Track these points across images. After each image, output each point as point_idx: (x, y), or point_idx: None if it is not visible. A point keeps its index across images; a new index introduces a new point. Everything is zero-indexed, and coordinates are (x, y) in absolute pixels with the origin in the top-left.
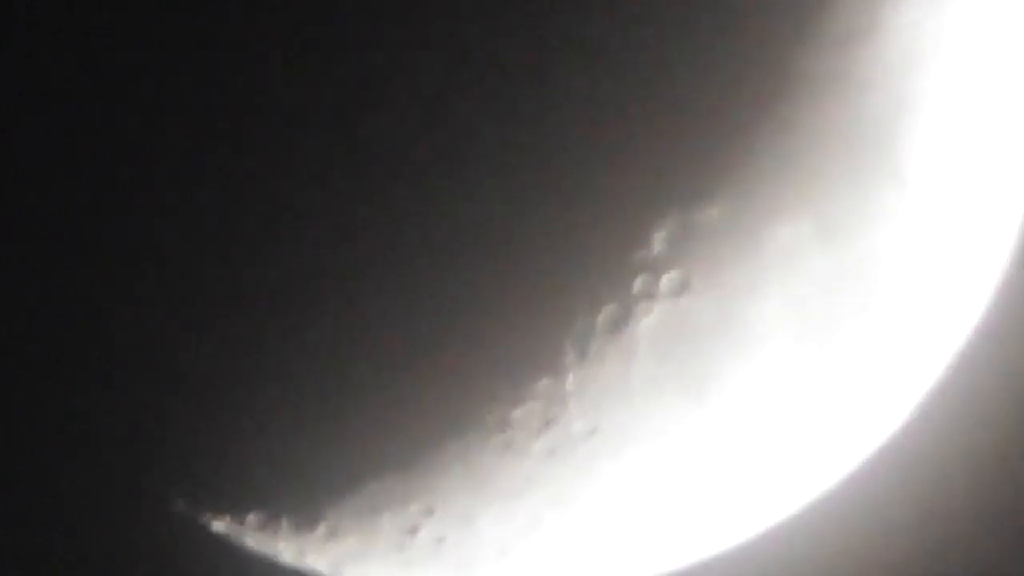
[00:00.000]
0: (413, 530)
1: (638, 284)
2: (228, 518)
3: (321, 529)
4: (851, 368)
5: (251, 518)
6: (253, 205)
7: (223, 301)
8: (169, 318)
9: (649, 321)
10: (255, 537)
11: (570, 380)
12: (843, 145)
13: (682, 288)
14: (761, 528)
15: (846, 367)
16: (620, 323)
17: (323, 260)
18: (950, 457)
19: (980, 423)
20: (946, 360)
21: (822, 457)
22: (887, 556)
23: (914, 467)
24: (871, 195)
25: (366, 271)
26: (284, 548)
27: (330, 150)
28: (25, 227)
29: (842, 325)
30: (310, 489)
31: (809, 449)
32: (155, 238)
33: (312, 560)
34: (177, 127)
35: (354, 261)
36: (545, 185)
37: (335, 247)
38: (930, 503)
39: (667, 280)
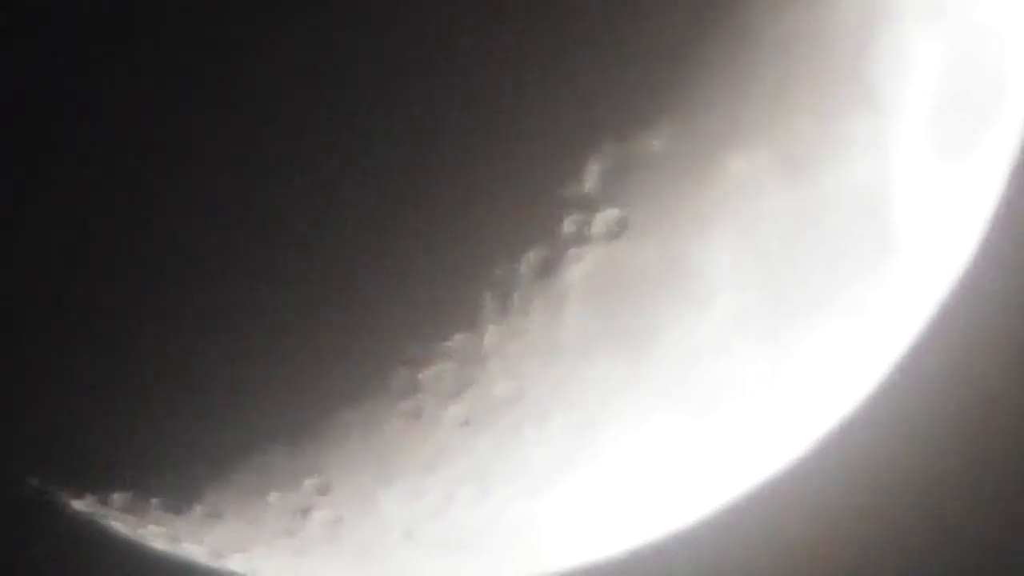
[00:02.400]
0: (305, 511)
1: (568, 225)
2: (89, 498)
3: (198, 510)
4: (816, 327)
5: (116, 497)
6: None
7: (81, 267)
8: (17, 282)
9: (581, 268)
10: (121, 519)
11: (489, 336)
12: (807, 62)
13: (619, 229)
14: (708, 510)
15: (811, 324)
16: (547, 270)
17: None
18: (920, 425)
19: (961, 383)
20: (925, 317)
21: (779, 430)
22: (844, 534)
23: (882, 437)
24: (839, 121)
25: (248, 216)
26: (155, 532)
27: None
28: None
29: (806, 274)
30: (185, 464)
31: (765, 420)
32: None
33: (188, 546)
34: None
35: (236, 206)
36: (457, 112)
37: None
38: (895, 475)
39: (602, 220)
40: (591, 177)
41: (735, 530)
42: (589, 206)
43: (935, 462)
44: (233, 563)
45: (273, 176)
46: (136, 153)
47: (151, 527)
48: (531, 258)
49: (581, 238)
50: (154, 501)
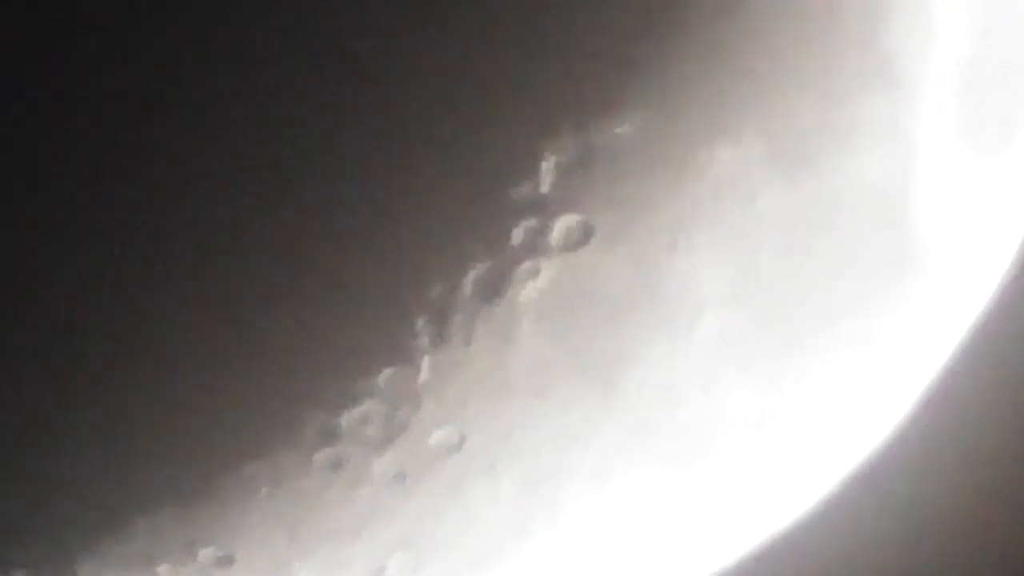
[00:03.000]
0: None
1: (519, 234)
2: None
3: None
4: (821, 358)
5: None
6: None
7: None
8: None
9: (536, 285)
10: None
11: (424, 370)
12: (809, 30)
13: (582, 238)
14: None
15: (814, 354)
16: (495, 289)
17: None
18: (946, 475)
19: (996, 422)
20: (953, 345)
21: (776, 484)
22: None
23: (902, 490)
24: (848, 103)
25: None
26: None
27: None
28: None
29: (808, 291)
30: (54, 532)
31: (759, 471)
32: None
33: None
34: None
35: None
36: (380, 95)
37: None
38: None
39: (561, 227)
40: (547, 176)
41: None
42: (545, 210)
43: (962, 518)
44: None
45: (164, 186)
46: None
47: None
48: (475, 276)
49: (536, 249)
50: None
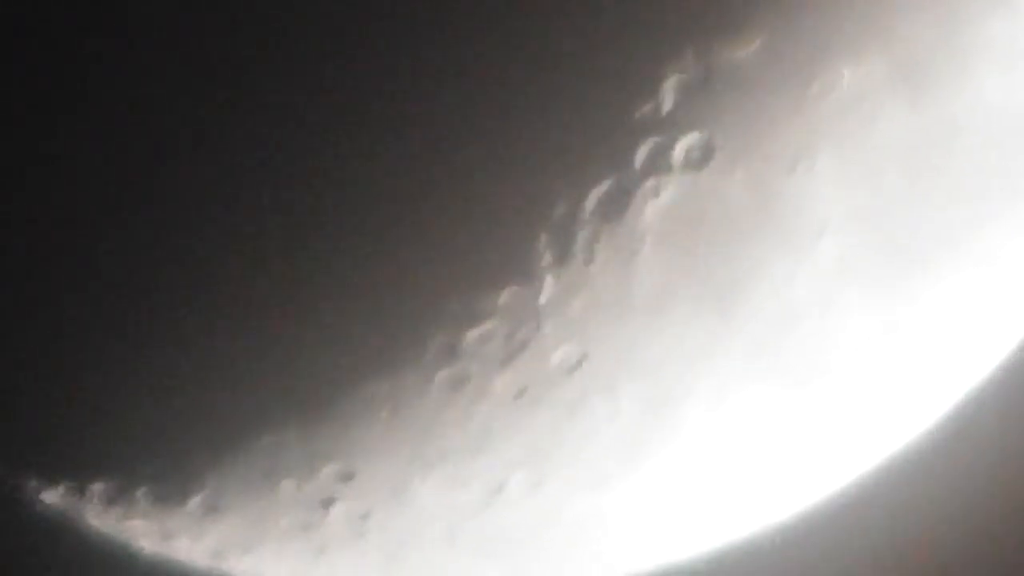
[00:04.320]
0: (325, 503)
1: (642, 153)
2: (63, 488)
3: (195, 502)
4: (942, 277)
5: (96, 488)
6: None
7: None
8: None
9: (658, 205)
10: (102, 514)
11: (546, 289)
12: None
13: (704, 157)
14: (809, 503)
15: (935, 274)
16: (617, 207)
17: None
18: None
19: None
20: None
21: (896, 404)
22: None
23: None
24: (970, 24)
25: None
26: (143, 529)
27: None
28: None
29: (930, 213)
30: (179, 447)
31: (879, 391)
32: None
33: (183, 545)
34: None
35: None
36: (510, 19)
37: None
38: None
39: (683, 147)
40: (669, 95)
41: (841, 527)
42: (667, 130)
43: None
44: (237, 565)
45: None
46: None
47: (138, 523)
48: (597, 194)
49: (658, 168)
50: (141, 491)
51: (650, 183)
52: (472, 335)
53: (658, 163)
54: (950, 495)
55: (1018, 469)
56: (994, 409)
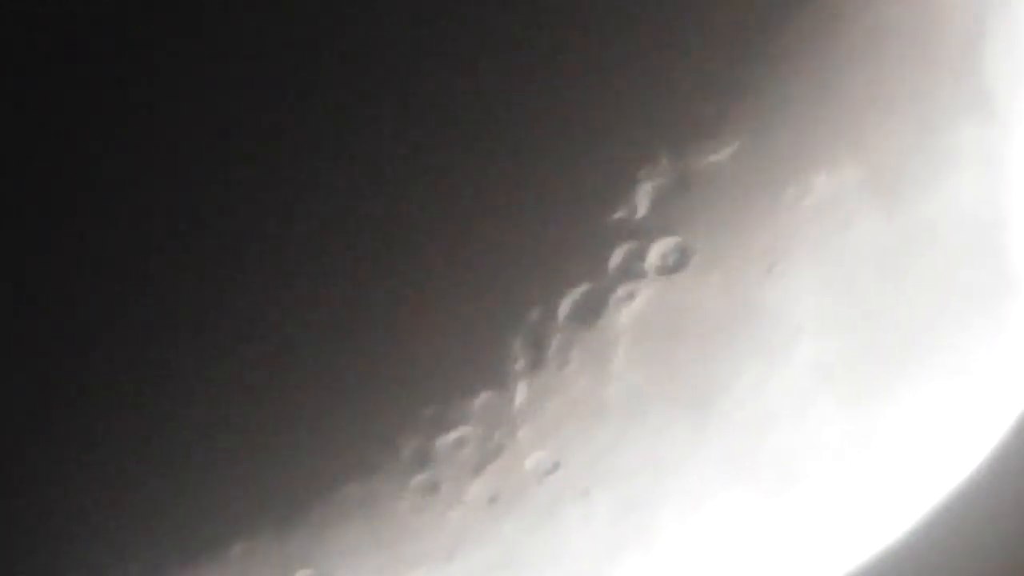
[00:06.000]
0: None
1: (617, 257)
2: None
3: None
4: (916, 386)
5: None
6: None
7: None
8: None
9: (632, 309)
10: None
11: (520, 394)
12: (905, 58)
13: (679, 262)
14: None
15: (909, 382)
16: (591, 313)
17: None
18: None
19: None
20: None
21: (869, 511)
22: None
23: (996, 522)
24: (944, 131)
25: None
26: None
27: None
28: None
29: (903, 319)
30: (151, 555)
31: (853, 499)
32: None
33: None
34: None
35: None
36: (480, 117)
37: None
38: None
39: (658, 251)
40: (644, 199)
41: None
42: (642, 234)
43: None
44: None
45: (261, 213)
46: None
47: None
48: (572, 298)
49: (633, 273)
50: None
51: (625, 288)
52: (446, 440)
53: (633, 268)
54: None
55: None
56: (969, 515)
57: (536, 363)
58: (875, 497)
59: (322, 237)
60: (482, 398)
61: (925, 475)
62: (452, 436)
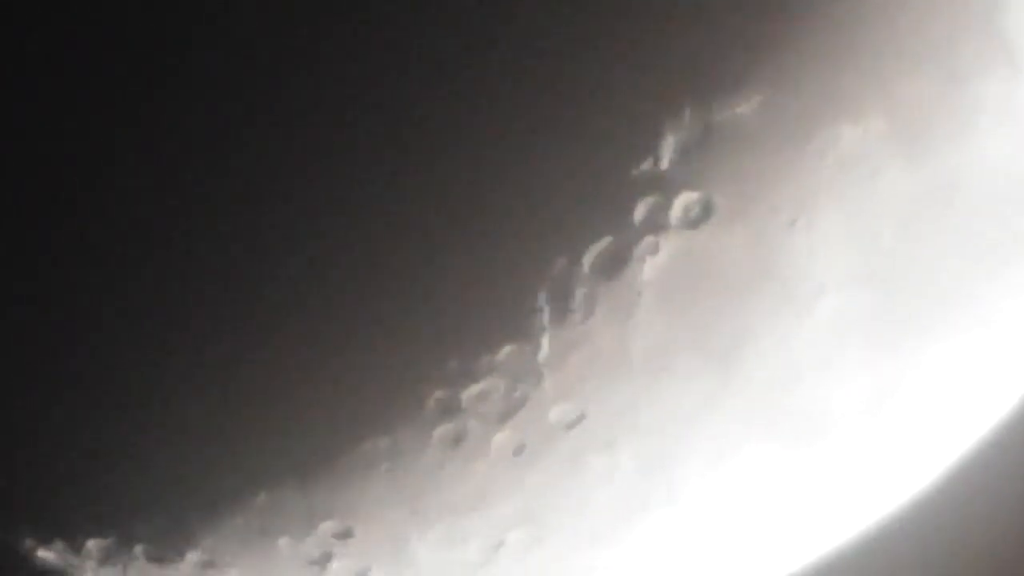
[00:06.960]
0: (323, 561)
1: (641, 210)
2: (59, 545)
3: (192, 560)
4: (942, 337)
5: (92, 545)
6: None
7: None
8: None
9: (656, 262)
10: (98, 572)
11: (544, 347)
12: (930, 9)
13: (702, 215)
14: (806, 562)
15: (935, 334)
16: (616, 265)
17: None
18: None
19: None
20: None
21: (894, 463)
22: None
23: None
24: (970, 82)
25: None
26: None
27: None
28: None
29: (929, 271)
30: (177, 504)
31: (877, 451)
32: None
33: None
34: None
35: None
36: (513, 75)
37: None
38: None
39: (681, 204)
40: (668, 152)
41: None
42: (666, 187)
43: None
44: None
45: (287, 174)
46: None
47: None
48: (596, 250)
49: (656, 226)
50: (138, 549)
51: (649, 240)
52: (471, 392)
53: (657, 220)
54: (947, 555)
55: (1015, 528)
56: (992, 469)
57: (560, 315)
58: (899, 450)
59: (346, 189)
60: (506, 350)
61: (949, 428)
62: (476, 388)
